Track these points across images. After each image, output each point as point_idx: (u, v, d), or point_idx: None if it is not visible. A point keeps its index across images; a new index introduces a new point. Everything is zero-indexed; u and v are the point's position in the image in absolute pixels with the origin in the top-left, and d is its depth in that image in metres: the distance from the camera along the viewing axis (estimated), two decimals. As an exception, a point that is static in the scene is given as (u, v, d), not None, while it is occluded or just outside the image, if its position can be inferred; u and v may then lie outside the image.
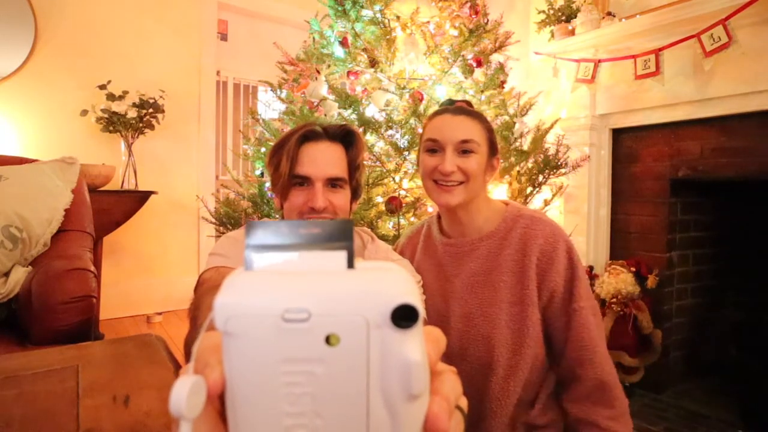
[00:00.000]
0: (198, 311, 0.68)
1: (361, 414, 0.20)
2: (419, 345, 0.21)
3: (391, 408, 0.21)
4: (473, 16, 1.90)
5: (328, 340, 0.20)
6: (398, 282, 0.21)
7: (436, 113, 0.98)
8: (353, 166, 0.92)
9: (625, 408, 0.89)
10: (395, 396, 0.20)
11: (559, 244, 0.90)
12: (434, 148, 0.94)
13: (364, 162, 0.97)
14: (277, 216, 1.03)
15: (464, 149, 0.92)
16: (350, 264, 0.23)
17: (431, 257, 1.04)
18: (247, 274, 0.21)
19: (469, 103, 1.04)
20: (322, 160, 0.88)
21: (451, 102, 1.04)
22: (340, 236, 0.23)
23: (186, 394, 0.20)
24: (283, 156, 0.88)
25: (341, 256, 0.23)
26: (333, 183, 0.89)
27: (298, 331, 0.20)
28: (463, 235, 0.99)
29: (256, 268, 0.22)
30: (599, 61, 2.24)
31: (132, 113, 2.67)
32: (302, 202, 0.87)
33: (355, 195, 0.95)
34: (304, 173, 0.87)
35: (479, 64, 1.85)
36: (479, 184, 0.94)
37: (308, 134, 0.90)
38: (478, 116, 0.97)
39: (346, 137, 0.93)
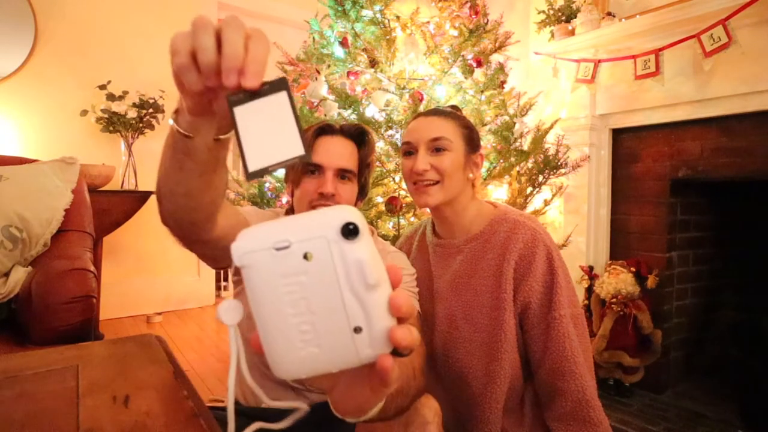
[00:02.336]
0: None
1: (339, 304, 0.29)
2: (367, 249, 0.29)
3: (358, 297, 0.29)
4: (473, 16, 1.91)
5: (305, 256, 0.29)
6: (343, 210, 0.29)
7: (411, 119, 1.00)
8: (363, 164, 0.97)
9: (608, 426, 0.84)
10: (359, 287, 0.29)
11: (538, 248, 0.87)
12: (409, 150, 0.95)
13: (374, 164, 1.02)
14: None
15: (436, 147, 0.92)
16: (291, 100, 0.37)
17: (422, 257, 1.04)
18: (250, 228, 0.30)
19: (456, 108, 1.04)
20: (335, 151, 0.94)
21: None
22: (279, 85, 0.36)
23: (225, 309, 0.33)
24: None
25: (283, 96, 0.36)
26: (343, 174, 0.94)
27: (285, 255, 0.29)
28: (453, 236, 0.99)
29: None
30: (599, 61, 2.24)
31: (132, 113, 2.67)
32: (313, 189, 0.92)
33: (361, 193, 1.00)
34: (318, 161, 0.92)
35: (479, 64, 1.86)
36: (458, 182, 0.93)
37: (325, 128, 0.96)
38: (452, 115, 0.97)
39: (359, 136, 0.98)
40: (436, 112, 0.97)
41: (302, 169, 0.95)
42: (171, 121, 0.52)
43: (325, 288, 0.29)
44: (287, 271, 0.29)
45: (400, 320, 0.30)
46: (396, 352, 0.30)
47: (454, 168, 0.92)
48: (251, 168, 0.35)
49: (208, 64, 0.38)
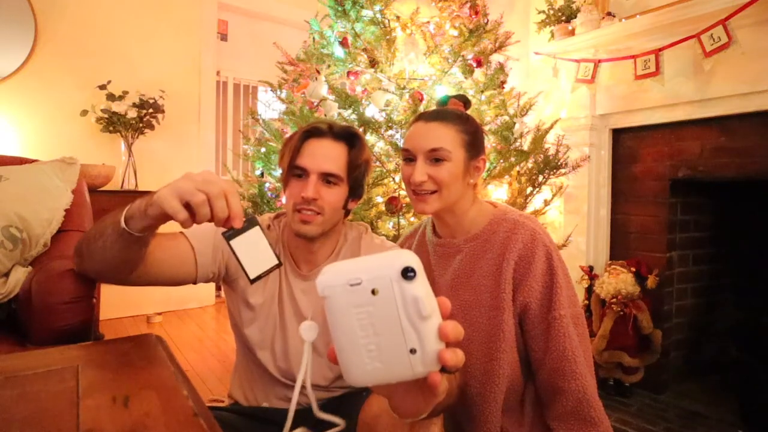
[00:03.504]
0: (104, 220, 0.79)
1: (398, 330, 0.36)
2: (422, 288, 0.36)
3: (414, 325, 0.36)
4: (473, 16, 1.91)
5: (373, 292, 0.36)
6: (404, 255, 0.37)
7: (414, 120, 0.98)
8: (353, 165, 0.94)
9: (608, 425, 0.84)
10: (414, 318, 0.36)
11: (537, 248, 0.87)
12: (409, 157, 0.94)
13: (369, 164, 1.00)
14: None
15: (435, 158, 0.90)
16: (262, 231, 0.63)
17: (422, 257, 1.03)
18: (331, 266, 0.38)
19: (464, 99, 1.02)
20: (321, 154, 0.92)
21: (445, 100, 1.03)
22: (252, 222, 0.63)
23: (305, 328, 0.47)
24: (287, 149, 0.95)
25: (257, 229, 0.63)
26: (328, 178, 0.92)
27: (357, 289, 0.36)
28: (453, 236, 0.99)
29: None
30: (599, 61, 2.23)
31: (132, 113, 2.67)
32: (297, 192, 0.91)
33: (354, 194, 0.98)
34: (302, 165, 0.92)
35: (479, 64, 1.86)
36: (456, 190, 0.92)
37: (313, 131, 0.95)
38: (455, 120, 0.93)
39: (350, 137, 0.96)
40: (438, 116, 0.94)
41: (289, 173, 0.94)
42: (123, 226, 0.70)
43: (388, 317, 0.36)
44: (358, 302, 0.36)
45: (448, 344, 0.37)
46: (444, 370, 0.37)
47: (452, 178, 0.91)
48: (251, 276, 0.62)
49: (204, 216, 0.62)
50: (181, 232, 0.92)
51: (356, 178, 0.96)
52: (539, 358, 0.87)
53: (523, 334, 0.90)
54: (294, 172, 0.93)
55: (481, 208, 0.98)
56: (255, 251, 0.61)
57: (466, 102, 1.03)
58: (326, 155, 0.92)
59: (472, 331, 0.91)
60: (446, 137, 0.91)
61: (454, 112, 0.96)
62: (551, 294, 0.86)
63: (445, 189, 0.91)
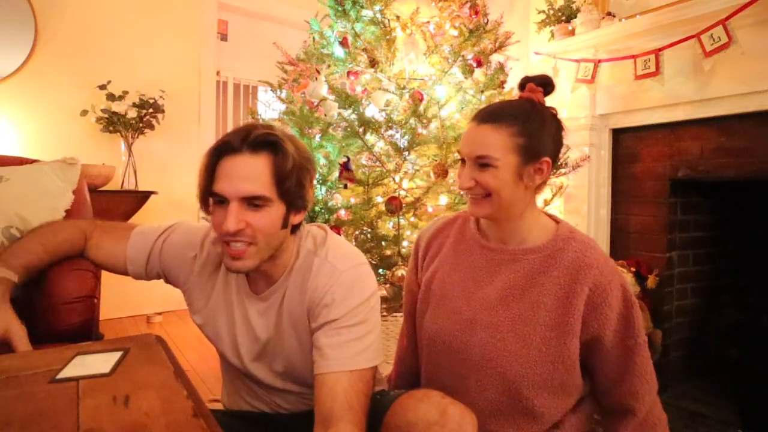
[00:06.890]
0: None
1: None
2: None
3: None
4: (473, 16, 1.91)
5: None
6: None
7: (471, 118, 0.93)
8: (281, 178, 0.78)
9: None
10: None
11: (614, 277, 0.86)
12: (462, 158, 0.92)
13: (304, 167, 0.83)
14: None
15: (481, 163, 0.87)
16: None
17: (463, 255, 0.98)
18: None
19: (545, 83, 0.96)
20: (237, 175, 0.77)
21: (523, 84, 0.98)
22: None
23: None
24: (200, 172, 0.81)
25: None
26: (253, 202, 0.77)
27: None
28: (504, 242, 0.94)
29: None
30: (599, 61, 2.23)
31: (132, 113, 2.67)
32: (219, 222, 0.78)
33: (294, 207, 0.82)
34: (219, 191, 0.77)
35: (479, 64, 1.86)
36: (508, 195, 0.88)
37: (225, 147, 0.79)
38: (511, 120, 0.87)
39: (272, 145, 0.79)
40: (491, 117, 0.89)
41: (206, 198, 0.81)
42: None
43: None
44: None
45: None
46: None
47: (500, 185, 0.87)
48: None
49: None
50: (132, 234, 1.01)
51: (288, 189, 0.79)
52: (613, 380, 0.90)
53: (591, 357, 0.90)
54: (216, 198, 0.78)
55: (541, 219, 0.95)
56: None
57: (546, 86, 0.94)
58: (244, 175, 0.76)
59: (521, 346, 0.88)
60: (496, 144, 0.86)
61: (513, 111, 0.90)
62: (629, 323, 0.86)
63: (494, 195, 0.87)
